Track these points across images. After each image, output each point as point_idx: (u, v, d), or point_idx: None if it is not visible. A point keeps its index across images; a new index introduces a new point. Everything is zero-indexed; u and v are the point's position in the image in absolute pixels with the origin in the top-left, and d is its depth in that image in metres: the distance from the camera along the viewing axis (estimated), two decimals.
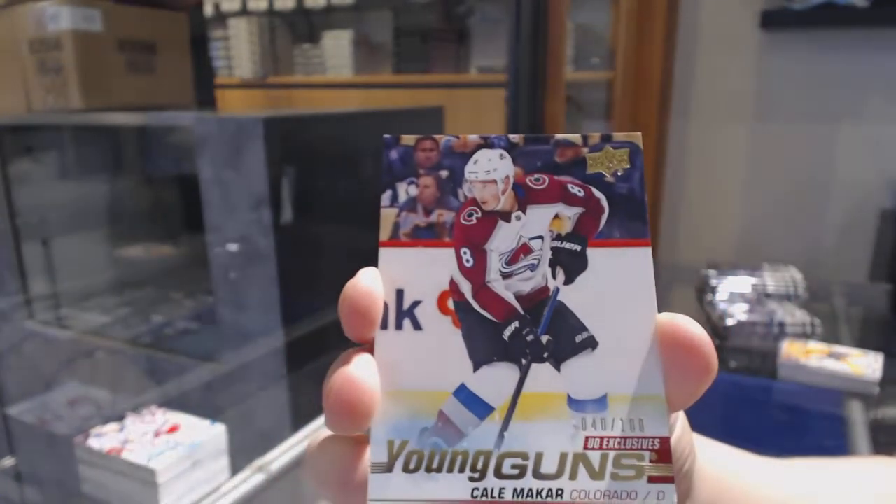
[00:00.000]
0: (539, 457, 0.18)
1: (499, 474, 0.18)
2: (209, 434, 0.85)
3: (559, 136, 0.20)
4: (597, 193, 0.20)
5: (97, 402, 1.21)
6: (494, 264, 0.19)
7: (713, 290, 1.16)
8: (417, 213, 0.20)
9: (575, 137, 0.20)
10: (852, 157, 1.93)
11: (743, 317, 1.08)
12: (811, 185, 1.98)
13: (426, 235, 0.20)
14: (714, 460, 0.26)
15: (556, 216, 0.20)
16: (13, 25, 1.18)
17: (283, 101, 2.71)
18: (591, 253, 0.19)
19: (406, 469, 0.18)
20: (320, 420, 0.93)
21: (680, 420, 0.22)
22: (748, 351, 1.07)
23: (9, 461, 1.22)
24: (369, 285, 0.19)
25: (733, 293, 1.15)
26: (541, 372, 0.18)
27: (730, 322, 1.07)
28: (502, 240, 0.19)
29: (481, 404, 0.18)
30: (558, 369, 0.19)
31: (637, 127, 1.91)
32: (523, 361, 0.19)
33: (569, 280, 0.19)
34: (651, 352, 0.18)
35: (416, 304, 0.19)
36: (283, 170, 1.03)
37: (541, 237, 0.20)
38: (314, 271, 1.11)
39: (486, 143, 0.20)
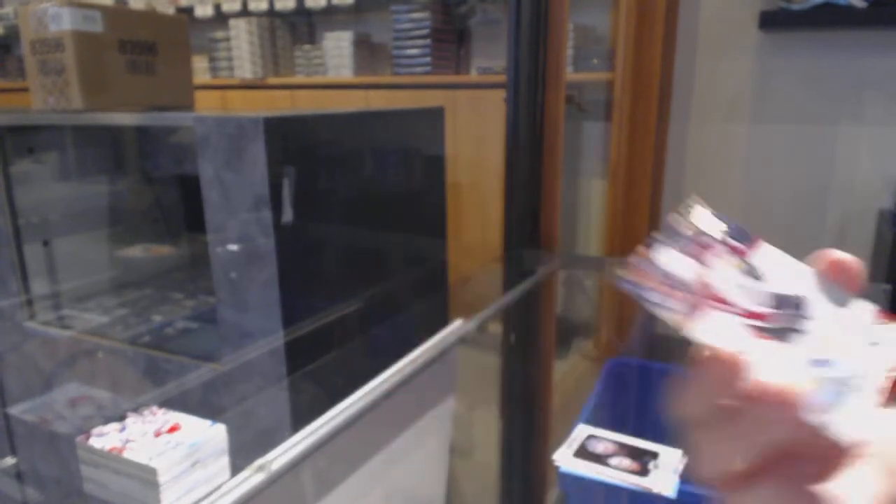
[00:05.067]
0: None
1: None
2: (209, 434, 0.86)
3: None
4: None
5: (98, 401, 1.21)
6: None
7: None
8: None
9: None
10: (851, 157, 1.93)
11: None
12: (810, 185, 1.99)
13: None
14: None
15: None
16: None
17: (283, 102, 2.71)
18: None
19: None
20: (320, 419, 0.93)
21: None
22: None
23: (10, 460, 1.22)
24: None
25: None
26: None
27: None
28: None
29: None
30: None
31: (636, 127, 1.91)
32: None
33: None
34: None
35: None
36: (284, 170, 1.03)
37: None
38: (314, 271, 1.12)
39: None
